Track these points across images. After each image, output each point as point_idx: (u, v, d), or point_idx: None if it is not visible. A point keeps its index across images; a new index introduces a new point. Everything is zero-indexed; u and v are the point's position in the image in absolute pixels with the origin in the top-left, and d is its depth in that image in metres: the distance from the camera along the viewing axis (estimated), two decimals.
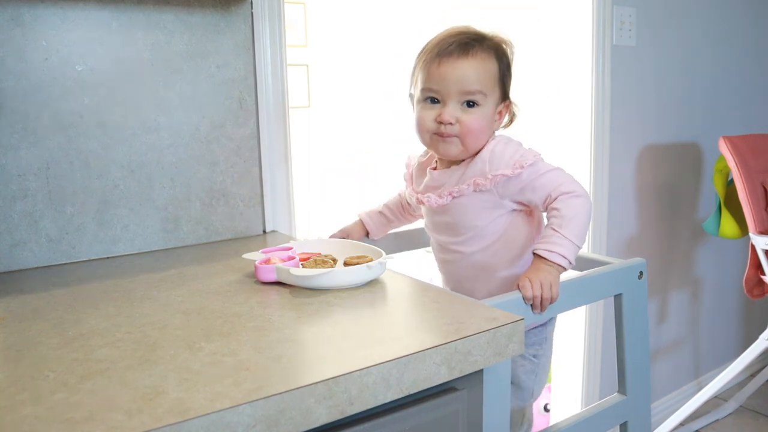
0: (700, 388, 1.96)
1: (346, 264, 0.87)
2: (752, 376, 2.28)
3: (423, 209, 1.11)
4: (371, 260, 0.86)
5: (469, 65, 0.96)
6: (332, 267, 0.85)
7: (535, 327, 1.07)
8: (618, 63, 1.70)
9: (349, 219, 1.23)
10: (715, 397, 2.16)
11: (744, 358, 1.73)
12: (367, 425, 0.60)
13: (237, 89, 1.15)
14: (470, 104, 0.97)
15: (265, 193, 1.21)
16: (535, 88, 1.79)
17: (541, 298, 0.87)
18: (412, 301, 0.79)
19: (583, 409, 1.05)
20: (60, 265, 1.01)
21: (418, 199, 1.07)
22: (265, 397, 0.51)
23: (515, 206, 1.00)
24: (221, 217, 1.16)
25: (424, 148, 1.08)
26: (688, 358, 2.18)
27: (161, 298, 0.80)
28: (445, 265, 1.09)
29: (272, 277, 0.84)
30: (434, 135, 0.99)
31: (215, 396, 0.52)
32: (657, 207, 1.94)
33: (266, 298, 0.79)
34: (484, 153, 0.98)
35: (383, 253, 0.87)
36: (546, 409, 1.95)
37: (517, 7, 1.76)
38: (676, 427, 1.92)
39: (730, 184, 1.82)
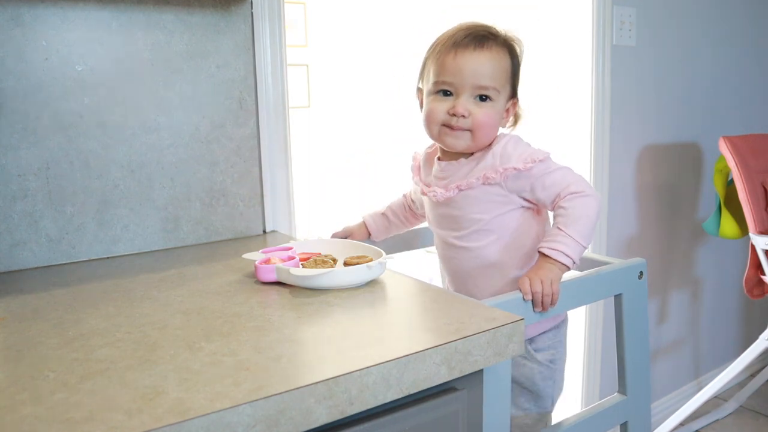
0: (700, 388, 1.96)
1: (346, 264, 0.87)
2: (752, 376, 2.28)
3: (426, 202, 1.10)
4: (371, 260, 0.86)
5: (485, 58, 0.96)
6: (332, 267, 0.85)
7: (549, 330, 1.06)
8: (618, 63, 1.70)
9: (349, 219, 1.23)
10: (715, 397, 2.16)
11: (744, 358, 1.73)
12: (367, 425, 0.60)
13: (237, 89, 1.15)
14: (483, 98, 0.97)
15: (265, 193, 1.21)
16: (535, 88, 1.78)
17: (542, 295, 0.87)
18: (412, 301, 0.79)
19: (583, 409, 1.05)
20: (60, 265, 1.01)
21: (423, 191, 1.06)
22: (265, 397, 0.51)
23: (523, 203, 0.99)
24: (221, 217, 1.16)
25: (430, 142, 1.08)
26: (688, 358, 2.18)
27: (161, 298, 0.80)
28: (448, 262, 1.07)
29: (272, 277, 0.84)
30: (443, 127, 0.98)
31: (215, 396, 0.52)
32: (657, 207, 1.94)
33: (266, 298, 0.79)
34: (496, 148, 0.98)
35: (383, 253, 0.87)
36: None
37: (517, 7, 1.76)
38: (676, 427, 1.92)
39: (730, 184, 1.82)
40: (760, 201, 1.68)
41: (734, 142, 1.69)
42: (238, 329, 0.68)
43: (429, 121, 1.00)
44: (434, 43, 1.01)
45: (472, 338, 0.64)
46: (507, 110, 1.02)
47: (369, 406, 0.57)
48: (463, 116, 0.96)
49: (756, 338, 1.74)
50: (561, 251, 0.90)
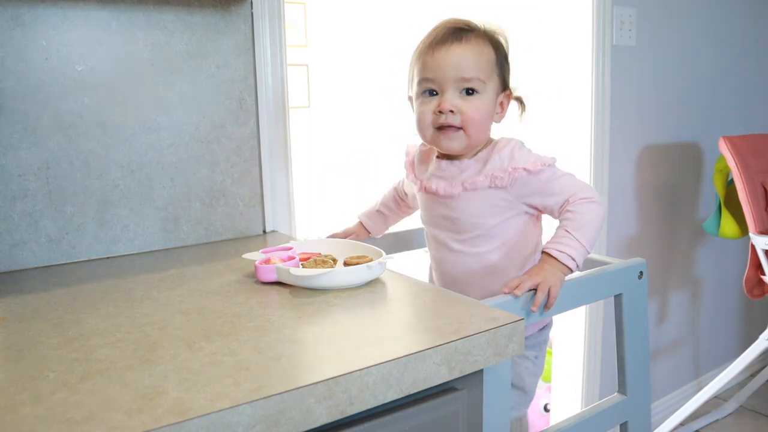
0: (700, 388, 1.96)
1: (346, 264, 0.87)
2: (752, 376, 2.28)
3: (421, 199, 1.07)
4: (371, 260, 0.86)
5: (464, 50, 0.94)
6: (332, 267, 0.85)
7: (542, 328, 1.07)
8: (618, 63, 1.70)
9: (348, 219, 1.23)
10: (715, 397, 2.16)
11: (744, 358, 1.73)
12: (367, 425, 0.60)
13: (237, 89, 1.15)
14: (469, 92, 0.95)
15: (265, 193, 1.21)
16: (535, 88, 1.78)
17: (549, 296, 0.87)
18: (412, 301, 0.79)
19: (583, 409, 1.05)
20: (60, 265, 1.01)
21: (423, 186, 1.03)
22: (265, 397, 0.51)
23: (527, 209, 0.98)
24: (221, 217, 1.16)
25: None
26: (688, 358, 2.18)
27: (161, 298, 0.80)
28: (442, 264, 1.05)
29: (272, 277, 0.84)
30: (436, 131, 0.97)
31: (215, 396, 0.52)
32: (657, 207, 1.94)
33: (266, 298, 0.79)
34: (504, 152, 0.96)
35: (383, 253, 0.87)
36: (546, 409, 1.95)
37: (517, 7, 1.76)
38: (676, 427, 1.92)
39: (730, 184, 1.82)
40: (760, 201, 1.68)
41: (734, 142, 1.69)
42: (238, 329, 0.68)
43: (421, 126, 0.98)
44: (416, 46, 1.00)
45: (472, 338, 0.64)
46: (501, 104, 1.00)
47: (369, 406, 0.57)
48: (451, 111, 0.94)
49: (756, 338, 1.74)
50: (568, 254, 0.90)
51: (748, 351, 1.73)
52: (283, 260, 0.86)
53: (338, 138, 3.37)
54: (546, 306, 0.87)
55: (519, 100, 1.03)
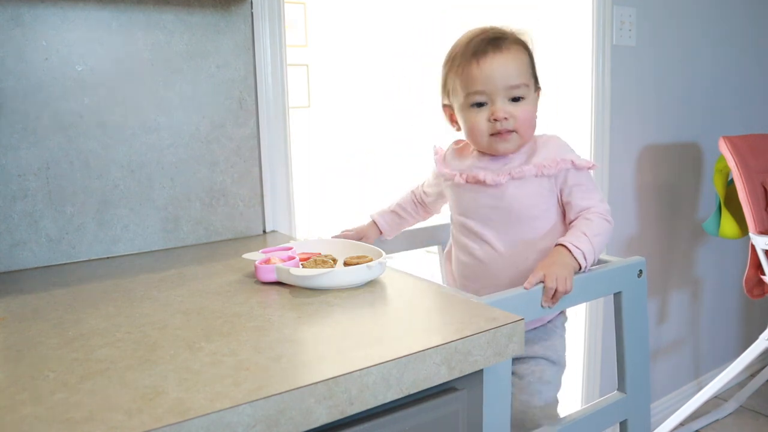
0: (700, 388, 1.96)
1: (346, 264, 0.87)
2: (752, 376, 2.28)
3: (457, 192, 1.08)
4: (371, 260, 0.86)
5: (506, 59, 0.99)
6: (332, 267, 0.85)
7: (553, 322, 1.09)
8: (618, 63, 1.70)
9: (349, 219, 1.24)
10: (715, 397, 2.16)
11: (744, 358, 1.73)
12: (367, 425, 0.60)
13: (237, 89, 1.15)
14: (515, 99, 1.00)
15: (265, 193, 1.21)
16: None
17: (556, 290, 0.88)
18: (412, 300, 0.79)
19: (583, 407, 1.05)
20: (60, 265, 1.01)
21: (466, 177, 1.05)
22: (265, 397, 0.51)
23: (558, 203, 1.03)
24: (221, 217, 1.16)
25: (437, 140, 1.09)
26: (688, 358, 2.18)
27: (161, 298, 0.80)
28: (470, 254, 1.06)
29: (272, 277, 0.84)
30: (491, 137, 1.01)
31: (215, 396, 0.52)
32: (657, 207, 1.94)
33: (266, 298, 0.79)
34: (551, 144, 1.02)
35: (383, 253, 0.87)
36: None
37: (517, 7, 1.76)
38: (676, 427, 1.92)
39: (730, 184, 1.82)
40: (760, 201, 1.68)
41: (734, 142, 1.69)
42: (238, 329, 0.68)
43: (475, 135, 1.02)
44: (449, 56, 1.03)
45: (472, 338, 0.64)
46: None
47: (369, 406, 0.57)
48: (505, 119, 0.98)
49: (756, 338, 1.74)
50: (582, 251, 0.93)
51: (748, 351, 1.73)
52: (283, 260, 0.87)
53: (338, 138, 3.37)
54: (555, 296, 0.89)
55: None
